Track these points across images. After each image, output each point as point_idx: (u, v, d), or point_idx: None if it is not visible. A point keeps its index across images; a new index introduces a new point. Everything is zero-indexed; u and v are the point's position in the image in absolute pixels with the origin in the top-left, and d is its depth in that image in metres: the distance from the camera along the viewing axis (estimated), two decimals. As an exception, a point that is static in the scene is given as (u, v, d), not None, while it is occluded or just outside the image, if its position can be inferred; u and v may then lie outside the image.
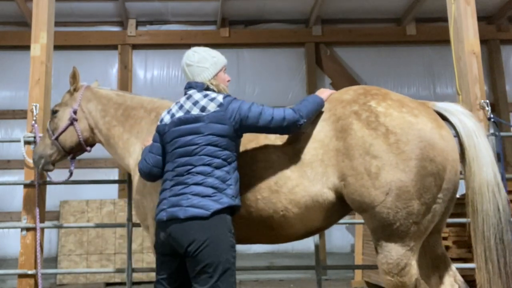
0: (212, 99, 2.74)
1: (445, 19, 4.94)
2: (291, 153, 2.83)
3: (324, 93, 2.98)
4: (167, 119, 2.84)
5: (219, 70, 2.92)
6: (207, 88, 2.84)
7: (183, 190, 2.61)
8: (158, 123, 2.91)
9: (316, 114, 2.83)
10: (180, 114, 2.78)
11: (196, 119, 2.70)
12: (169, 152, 2.77)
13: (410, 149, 2.59)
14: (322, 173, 2.75)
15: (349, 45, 9.55)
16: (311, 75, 9.32)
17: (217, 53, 2.97)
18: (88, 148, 3.70)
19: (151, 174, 2.89)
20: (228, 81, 2.98)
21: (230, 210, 2.64)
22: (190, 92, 2.85)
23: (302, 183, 2.78)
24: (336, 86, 9.15)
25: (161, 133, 2.85)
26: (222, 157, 2.66)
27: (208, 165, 2.63)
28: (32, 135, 4.37)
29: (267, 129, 2.74)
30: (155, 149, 2.88)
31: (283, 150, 2.85)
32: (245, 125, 2.72)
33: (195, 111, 2.72)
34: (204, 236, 2.52)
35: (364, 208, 2.67)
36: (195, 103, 2.75)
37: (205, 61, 2.89)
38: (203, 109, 2.71)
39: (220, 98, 2.74)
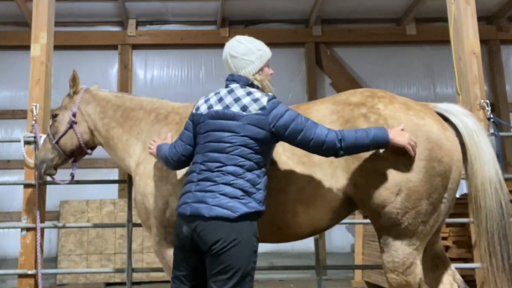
0: (255, 100, 2.57)
1: (445, 19, 4.93)
2: (301, 154, 2.82)
3: (402, 137, 2.58)
4: (203, 108, 2.69)
5: (264, 64, 2.76)
6: (251, 84, 2.70)
7: (211, 188, 2.50)
8: (193, 111, 2.76)
9: (365, 151, 2.62)
10: (218, 107, 2.63)
11: (234, 117, 2.56)
12: (200, 144, 2.65)
13: (419, 151, 2.63)
14: (331, 174, 2.77)
15: (349, 45, 9.54)
16: (311, 75, 9.31)
17: (263, 45, 2.80)
18: (89, 151, 3.70)
19: (179, 162, 2.78)
20: (271, 74, 2.82)
21: (257, 215, 2.55)
22: (233, 86, 2.69)
23: (311, 184, 2.79)
24: (336, 86, 9.16)
25: (196, 123, 2.72)
26: (254, 160, 2.55)
27: (241, 166, 2.51)
28: (32, 135, 4.37)
29: (302, 147, 2.60)
30: (185, 137, 2.76)
31: (293, 151, 2.84)
32: (282, 135, 2.57)
33: (235, 109, 2.57)
34: (231, 236, 2.41)
35: (374, 209, 2.69)
36: (237, 99, 2.60)
37: (251, 53, 2.72)
38: (244, 108, 2.56)
39: (264, 100, 2.57)
